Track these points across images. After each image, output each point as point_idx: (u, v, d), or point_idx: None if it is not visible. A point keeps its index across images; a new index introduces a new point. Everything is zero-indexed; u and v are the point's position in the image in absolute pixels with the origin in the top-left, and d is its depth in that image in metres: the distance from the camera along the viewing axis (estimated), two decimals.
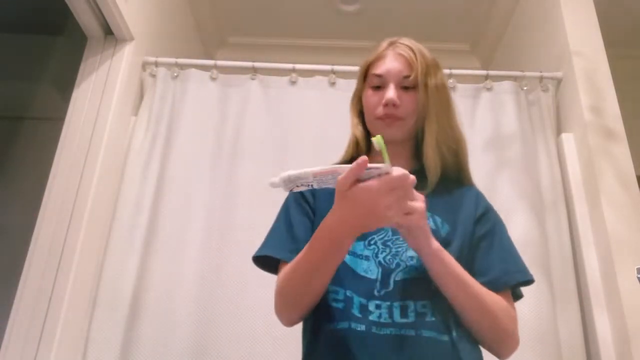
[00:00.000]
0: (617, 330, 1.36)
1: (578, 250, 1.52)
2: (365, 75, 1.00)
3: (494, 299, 0.84)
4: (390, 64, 0.95)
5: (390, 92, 0.93)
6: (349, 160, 1.01)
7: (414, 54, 0.94)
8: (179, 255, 1.50)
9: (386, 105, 0.93)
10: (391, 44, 0.98)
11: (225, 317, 1.43)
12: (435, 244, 0.80)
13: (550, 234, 1.54)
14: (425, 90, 0.92)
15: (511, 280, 0.88)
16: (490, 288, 0.85)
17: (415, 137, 0.97)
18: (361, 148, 1.00)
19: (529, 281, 0.90)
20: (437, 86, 0.94)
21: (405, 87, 0.94)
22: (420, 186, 0.90)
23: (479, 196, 0.97)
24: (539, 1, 2.03)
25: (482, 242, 0.91)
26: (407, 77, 0.93)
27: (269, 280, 1.44)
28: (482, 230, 0.92)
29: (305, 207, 0.96)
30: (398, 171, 0.70)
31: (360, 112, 1.02)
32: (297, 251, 0.85)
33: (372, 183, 0.69)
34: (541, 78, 1.78)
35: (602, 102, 1.64)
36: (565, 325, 1.43)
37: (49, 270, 1.37)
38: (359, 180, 0.70)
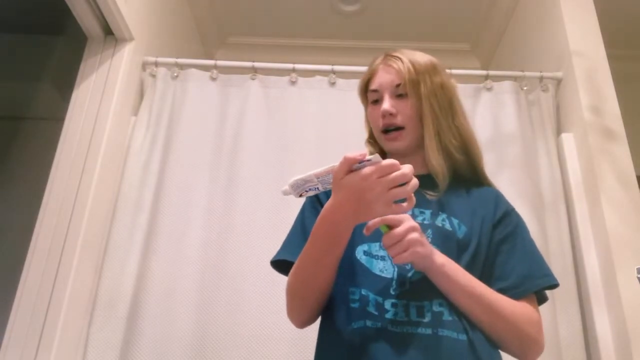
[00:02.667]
0: (617, 330, 1.36)
1: (578, 250, 1.52)
2: (365, 94, 1.03)
3: (513, 306, 0.83)
4: (381, 77, 0.98)
5: (385, 103, 0.95)
6: None
7: (402, 62, 0.97)
8: (179, 255, 1.50)
9: (383, 116, 0.95)
10: (385, 56, 1.01)
11: (224, 317, 1.43)
12: (440, 260, 0.80)
13: (550, 234, 1.54)
14: (417, 95, 0.94)
15: (533, 286, 0.88)
16: (512, 294, 0.85)
17: (423, 144, 0.98)
18: None
19: (553, 285, 0.91)
20: (433, 89, 0.95)
21: (399, 95, 0.96)
22: (433, 191, 0.93)
23: (498, 197, 0.97)
24: (539, 1, 2.03)
25: (503, 246, 0.90)
26: (398, 85, 0.96)
27: (268, 281, 1.45)
28: (503, 233, 0.91)
29: (320, 210, 0.95)
30: (388, 160, 0.72)
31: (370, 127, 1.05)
32: None
33: (363, 170, 0.72)
34: (541, 78, 1.78)
35: (602, 102, 1.64)
36: (565, 325, 1.43)
37: (49, 270, 1.37)
38: (352, 171, 0.73)
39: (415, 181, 0.72)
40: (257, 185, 1.60)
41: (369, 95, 1.01)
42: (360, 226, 0.88)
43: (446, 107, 0.96)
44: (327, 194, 0.95)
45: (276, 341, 1.39)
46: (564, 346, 1.40)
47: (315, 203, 0.98)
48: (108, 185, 1.55)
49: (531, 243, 0.94)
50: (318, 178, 0.76)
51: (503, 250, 0.90)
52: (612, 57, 1.71)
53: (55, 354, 1.30)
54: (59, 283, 1.36)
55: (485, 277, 0.87)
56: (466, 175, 0.98)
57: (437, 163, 0.93)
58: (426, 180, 0.95)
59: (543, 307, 1.44)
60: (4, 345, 1.29)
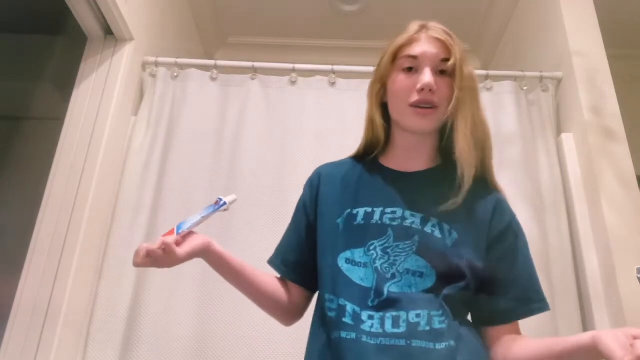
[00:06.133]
0: None
1: (578, 250, 1.52)
2: (393, 58, 0.91)
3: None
4: (425, 47, 0.88)
5: (427, 76, 0.85)
6: (363, 150, 0.99)
7: (451, 37, 0.89)
8: None
9: (422, 90, 0.85)
10: (423, 27, 0.92)
11: (224, 316, 1.43)
12: None
13: (550, 234, 1.54)
14: (462, 77, 0.86)
15: (530, 312, 0.86)
16: (508, 316, 0.86)
17: (440, 130, 0.92)
18: (378, 139, 0.95)
19: (546, 310, 0.87)
20: (472, 75, 0.89)
21: (441, 71, 0.87)
22: (446, 185, 0.86)
23: (498, 205, 0.89)
24: (539, 1, 2.03)
25: (502, 263, 0.86)
26: (445, 60, 0.87)
27: None
28: (502, 249, 0.86)
29: (300, 217, 1.00)
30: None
31: (381, 100, 0.95)
32: (281, 259, 0.99)
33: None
34: (541, 78, 1.78)
35: (602, 102, 1.64)
36: (565, 325, 1.43)
37: (49, 270, 1.37)
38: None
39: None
40: (257, 184, 1.60)
41: (402, 60, 0.89)
42: (344, 232, 0.88)
43: (477, 97, 0.89)
44: (312, 197, 0.98)
45: (276, 341, 1.39)
46: None
47: (300, 208, 1.01)
48: (108, 185, 1.55)
49: (529, 260, 0.88)
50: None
51: (502, 267, 0.85)
52: (612, 57, 1.71)
53: (55, 354, 1.30)
54: (59, 283, 1.36)
55: (485, 293, 0.85)
56: (476, 174, 0.88)
57: (470, 157, 0.84)
58: (431, 175, 0.92)
59: None
60: (4, 345, 1.29)
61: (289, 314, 0.98)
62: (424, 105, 0.87)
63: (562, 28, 1.78)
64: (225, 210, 0.91)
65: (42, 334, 1.31)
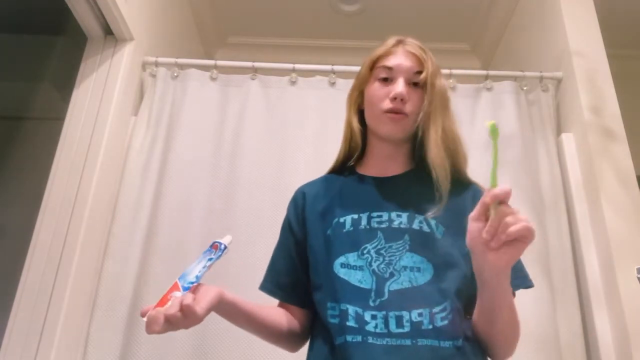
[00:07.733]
0: (617, 330, 1.36)
1: (578, 250, 1.52)
2: (371, 68, 0.99)
3: (518, 318, 0.82)
4: (400, 59, 0.95)
5: (400, 86, 0.92)
6: (342, 159, 1.03)
7: (425, 52, 0.96)
8: (179, 255, 1.50)
9: (394, 99, 0.92)
10: (399, 42, 0.98)
11: None
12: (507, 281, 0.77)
13: (550, 234, 1.54)
14: (433, 89, 0.92)
15: (513, 288, 0.86)
16: None
17: (413, 138, 0.97)
18: (356, 143, 1.00)
19: (528, 287, 0.90)
20: (443, 88, 0.95)
21: (414, 83, 0.94)
22: (424, 185, 0.90)
23: (476, 193, 0.93)
24: (539, 1, 2.03)
25: None
26: (418, 72, 0.93)
27: None
28: None
29: (287, 237, 0.99)
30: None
31: (358, 107, 1.02)
32: (275, 283, 0.97)
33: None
34: (541, 78, 1.78)
35: (602, 102, 1.64)
36: (565, 325, 1.43)
37: (49, 270, 1.37)
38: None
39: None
40: (257, 184, 1.60)
41: (378, 70, 0.96)
42: (334, 240, 0.89)
43: (448, 109, 0.95)
44: (297, 216, 0.98)
45: None
46: (564, 346, 1.40)
47: (286, 228, 1.00)
48: (108, 185, 1.55)
49: None
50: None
51: None
52: (612, 57, 1.71)
53: (55, 354, 1.30)
54: (59, 283, 1.36)
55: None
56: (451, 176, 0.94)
57: (439, 157, 0.89)
58: (408, 177, 0.96)
59: (544, 307, 1.44)
60: (4, 345, 1.29)
61: (295, 339, 0.96)
62: (395, 112, 0.93)
63: (562, 28, 1.78)
64: (226, 253, 0.87)
65: (42, 334, 1.31)
